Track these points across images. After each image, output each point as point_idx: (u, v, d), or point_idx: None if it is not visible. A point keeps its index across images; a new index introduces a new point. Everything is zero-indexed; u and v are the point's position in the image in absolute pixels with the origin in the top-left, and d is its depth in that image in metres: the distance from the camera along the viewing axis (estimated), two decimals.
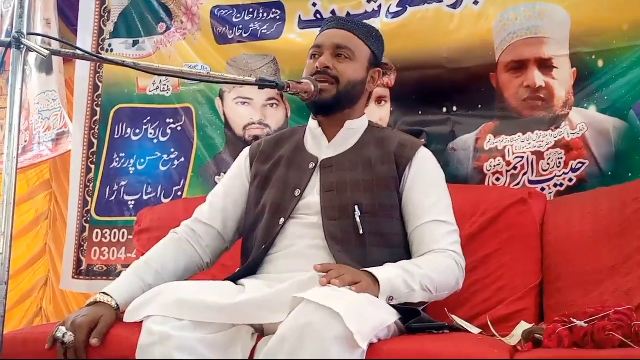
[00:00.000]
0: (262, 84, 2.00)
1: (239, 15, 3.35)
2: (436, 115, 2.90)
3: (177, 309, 1.72)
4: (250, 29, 3.32)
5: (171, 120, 3.46)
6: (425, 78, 2.92)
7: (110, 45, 3.61)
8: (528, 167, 2.71)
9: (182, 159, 3.41)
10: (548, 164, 2.68)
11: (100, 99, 3.59)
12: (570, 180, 2.65)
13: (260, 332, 1.78)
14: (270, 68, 3.25)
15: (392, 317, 1.82)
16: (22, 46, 1.72)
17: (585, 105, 2.67)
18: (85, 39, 3.61)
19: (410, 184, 2.09)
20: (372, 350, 1.63)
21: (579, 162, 2.64)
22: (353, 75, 2.15)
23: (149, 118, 3.50)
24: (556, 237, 2.35)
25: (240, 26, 3.34)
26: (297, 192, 2.10)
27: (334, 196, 2.06)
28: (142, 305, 1.78)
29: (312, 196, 2.10)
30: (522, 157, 2.72)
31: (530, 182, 2.71)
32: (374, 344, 1.67)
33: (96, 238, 3.50)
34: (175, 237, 2.19)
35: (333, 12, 3.14)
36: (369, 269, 1.86)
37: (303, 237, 2.04)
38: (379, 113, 2.97)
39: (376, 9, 3.06)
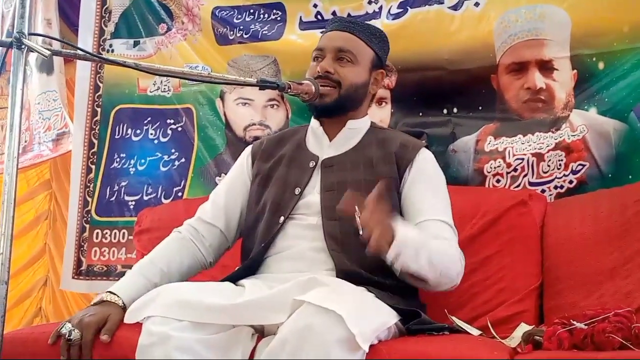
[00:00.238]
0: (262, 85, 2.00)
1: (239, 16, 3.35)
2: (437, 117, 2.90)
3: (177, 309, 1.72)
4: (251, 29, 3.32)
5: (172, 121, 3.46)
6: (426, 79, 2.92)
7: (111, 45, 3.61)
8: (528, 169, 2.71)
9: (183, 160, 3.41)
10: (548, 165, 2.68)
11: (101, 100, 3.59)
12: (571, 182, 2.65)
13: (261, 333, 1.77)
14: (271, 69, 3.25)
15: (392, 318, 1.83)
16: (23, 46, 1.72)
17: (585, 107, 2.67)
18: (86, 40, 3.61)
19: (410, 184, 2.09)
20: (372, 351, 1.63)
21: (580, 164, 2.64)
22: (355, 79, 2.15)
23: (149, 118, 3.50)
24: (556, 239, 2.35)
25: (241, 27, 3.34)
26: (297, 191, 2.10)
27: (334, 196, 2.06)
28: (142, 306, 1.78)
29: (312, 195, 2.10)
30: (523, 159, 2.72)
31: (531, 184, 2.71)
32: (374, 345, 1.67)
33: (96, 238, 3.50)
34: (179, 237, 2.19)
35: (334, 13, 3.14)
36: (394, 223, 1.84)
37: (302, 238, 2.04)
38: (380, 114, 2.97)
39: (377, 10, 3.06)
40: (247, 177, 2.27)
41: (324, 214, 2.05)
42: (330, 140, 2.19)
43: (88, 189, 3.54)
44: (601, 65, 2.66)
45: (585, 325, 1.72)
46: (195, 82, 3.38)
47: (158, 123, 3.49)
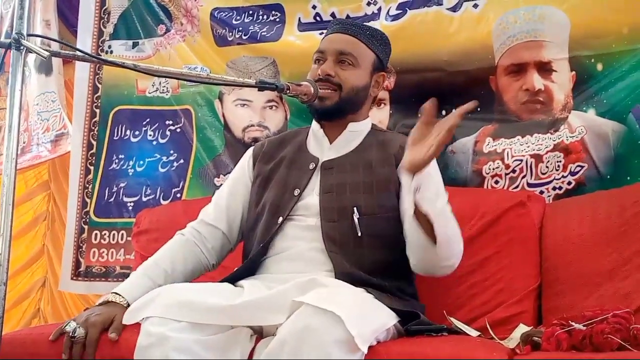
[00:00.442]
0: (261, 86, 2.00)
1: (238, 18, 3.35)
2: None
3: (176, 310, 1.72)
4: (250, 31, 3.32)
5: (170, 122, 3.46)
6: (425, 81, 2.92)
7: (109, 46, 3.61)
8: (527, 170, 2.71)
9: (181, 161, 3.41)
10: (547, 167, 2.68)
11: (99, 101, 3.59)
12: (569, 183, 2.65)
13: (259, 334, 1.78)
14: (269, 70, 3.25)
15: (391, 320, 1.83)
16: (22, 47, 1.72)
17: (584, 108, 2.67)
18: (84, 41, 3.61)
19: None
20: (370, 353, 1.64)
21: (578, 166, 2.64)
22: (356, 82, 2.15)
23: (148, 120, 3.50)
24: (555, 240, 2.35)
25: (240, 28, 3.34)
26: (296, 192, 2.11)
27: (333, 198, 2.06)
28: (141, 306, 1.79)
29: (311, 197, 2.10)
30: (521, 160, 2.72)
31: (529, 185, 2.71)
32: (373, 346, 1.67)
33: (95, 239, 3.50)
34: (183, 239, 2.20)
35: (333, 14, 3.14)
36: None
37: (301, 238, 2.05)
38: (379, 115, 2.97)
39: (376, 11, 3.06)
40: (248, 178, 2.27)
41: (323, 216, 2.05)
42: (331, 143, 2.19)
43: (87, 190, 3.54)
44: (600, 67, 2.66)
45: (584, 326, 1.72)
46: (194, 83, 3.38)
47: (157, 124, 3.48)
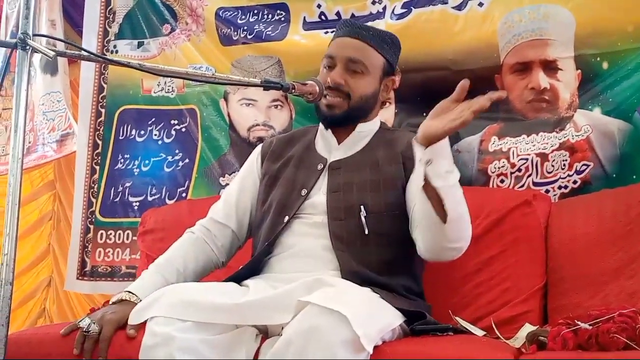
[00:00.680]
0: (266, 86, 2.00)
1: (243, 17, 3.36)
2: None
3: (181, 309, 1.72)
4: (255, 30, 3.32)
5: (176, 122, 3.46)
6: (430, 80, 2.92)
7: (115, 46, 3.61)
8: (532, 169, 2.71)
9: (187, 160, 3.41)
10: (552, 165, 2.68)
11: (105, 100, 3.59)
12: (575, 182, 2.64)
13: (265, 333, 1.78)
14: (274, 69, 3.25)
15: (397, 319, 1.83)
16: (27, 47, 1.72)
17: (589, 107, 2.66)
18: (90, 40, 3.61)
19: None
20: (376, 352, 1.64)
21: (584, 164, 2.63)
22: (365, 90, 2.15)
23: (153, 119, 3.50)
24: (560, 239, 2.35)
25: (245, 27, 3.34)
26: (304, 192, 2.11)
27: (340, 197, 2.07)
28: (147, 306, 1.79)
29: (318, 196, 2.10)
30: (527, 159, 2.72)
31: (535, 184, 2.70)
32: (378, 346, 1.67)
33: (100, 239, 3.50)
34: (193, 237, 2.21)
35: (337, 13, 3.14)
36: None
37: (307, 236, 2.05)
38: (384, 114, 2.96)
39: (381, 10, 3.06)
40: (256, 176, 2.28)
41: (330, 214, 2.05)
42: (339, 143, 2.19)
43: (92, 190, 3.54)
44: (605, 65, 2.65)
45: (590, 325, 1.71)
46: (199, 83, 3.38)
47: (162, 124, 3.49)
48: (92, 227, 3.53)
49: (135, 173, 3.50)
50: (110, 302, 1.96)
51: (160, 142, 3.48)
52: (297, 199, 2.10)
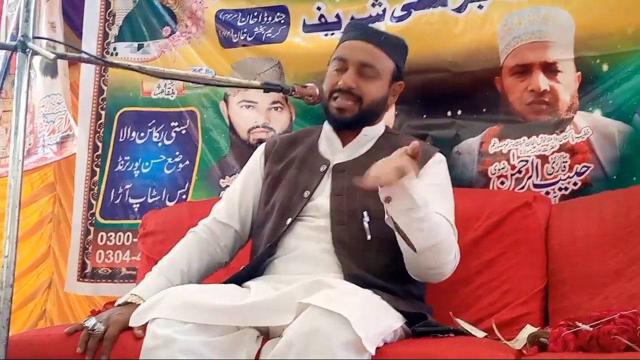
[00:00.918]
0: (267, 88, 2.00)
1: (243, 19, 3.36)
2: (441, 119, 2.90)
3: (182, 311, 1.72)
4: (255, 32, 3.32)
5: (176, 124, 3.46)
6: (430, 82, 2.92)
7: (115, 48, 3.61)
8: (533, 171, 2.71)
9: (187, 162, 3.41)
10: (553, 167, 2.68)
11: (105, 102, 3.59)
12: (575, 184, 2.64)
13: (266, 335, 1.78)
14: (274, 72, 3.25)
15: (398, 321, 1.83)
16: (27, 50, 1.73)
17: (590, 109, 2.66)
18: (90, 43, 3.61)
19: (417, 181, 2.08)
20: (377, 354, 1.64)
21: (584, 166, 2.63)
22: (377, 95, 2.16)
23: (153, 121, 3.50)
24: (561, 241, 2.35)
25: (245, 30, 3.34)
26: (306, 194, 2.11)
27: (343, 200, 2.06)
28: (148, 308, 1.79)
29: (321, 199, 2.10)
30: (527, 161, 2.72)
31: (535, 185, 2.70)
32: (380, 348, 1.67)
33: (101, 241, 3.50)
34: (196, 237, 2.21)
35: (337, 15, 3.14)
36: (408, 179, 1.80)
37: (309, 239, 2.05)
38: (384, 117, 2.96)
39: (381, 12, 3.06)
40: (259, 175, 2.28)
41: (333, 218, 2.05)
42: (344, 146, 2.19)
43: (92, 192, 3.54)
44: (605, 67, 2.65)
45: (591, 327, 1.71)
46: (199, 85, 3.38)
47: (162, 126, 3.49)
48: (92, 229, 3.53)
49: (136, 175, 3.50)
50: (115, 304, 1.97)
51: (160, 144, 3.48)
52: (299, 201, 2.10)
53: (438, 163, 2.17)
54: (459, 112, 2.88)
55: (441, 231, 1.92)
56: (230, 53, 3.37)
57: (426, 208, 1.85)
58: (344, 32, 2.30)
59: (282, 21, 3.27)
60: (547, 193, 2.66)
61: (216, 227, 2.22)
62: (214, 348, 1.69)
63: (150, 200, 3.44)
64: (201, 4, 3.44)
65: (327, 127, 2.25)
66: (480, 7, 2.88)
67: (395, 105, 2.98)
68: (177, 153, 3.44)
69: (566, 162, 2.66)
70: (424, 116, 2.94)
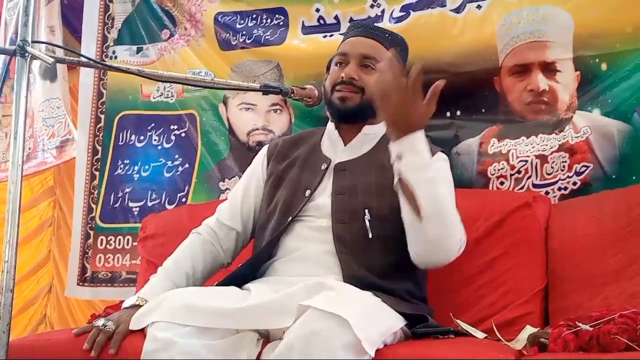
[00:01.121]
0: (266, 90, 2.00)
1: (242, 22, 3.36)
2: (440, 120, 2.89)
3: (182, 314, 1.72)
4: (254, 35, 3.32)
5: (175, 127, 3.46)
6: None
7: (114, 52, 3.61)
8: (532, 171, 2.71)
9: (186, 165, 3.42)
10: (552, 167, 2.68)
11: (104, 106, 3.59)
12: (575, 183, 2.64)
13: (266, 338, 1.77)
14: (273, 74, 3.26)
15: (398, 323, 1.83)
16: (26, 54, 1.73)
17: (589, 108, 2.66)
18: (89, 46, 3.61)
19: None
20: (377, 355, 1.63)
21: (583, 166, 2.63)
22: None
23: (153, 124, 3.50)
24: (561, 241, 2.35)
25: (244, 32, 3.34)
26: (307, 193, 2.11)
27: (345, 199, 2.07)
28: (147, 312, 1.79)
29: (322, 198, 2.10)
30: (526, 161, 2.72)
31: (535, 185, 2.70)
32: (380, 349, 1.67)
33: (101, 245, 3.50)
34: (200, 238, 2.22)
35: (336, 17, 3.14)
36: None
37: (310, 240, 2.05)
38: None
39: (379, 14, 3.06)
40: (261, 176, 2.29)
41: (334, 217, 2.05)
42: (345, 145, 2.19)
43: (92, 196, 3.54)
44: (604, 67, 2.65)
45: (591, 327, 1.71)
46: (198, 88, 3.38)
47: (161, 129, 3.49)
48: (92, 232, 3.52)
49: (135, 178, 3.50)
50: (122, 307, 1.98)
51: (159, 147, 3.48)
52: (300, 200, 2.10)
53: (435, 159, 2.16)
54: (458, 113, 2.88)
55: (446, 205, 1.91)
56: (229, 55, 3.37)
57: (436, 172, 1.88)
58: (345, 33, 2.30)
59: (281, 23, 3.28)
60: (547, 193, 2.66)
61: (219, 229, 2.24)
62: (214, 351, 1.69)
63: (150, 204, 3.44)
64: (200, 6, 3.44)
65: (329, 127, 2.25)
66: (478, 7, 2.88)
67: None
68: (177, 156, 3.44)
69: (565, 161, 2.66)
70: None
